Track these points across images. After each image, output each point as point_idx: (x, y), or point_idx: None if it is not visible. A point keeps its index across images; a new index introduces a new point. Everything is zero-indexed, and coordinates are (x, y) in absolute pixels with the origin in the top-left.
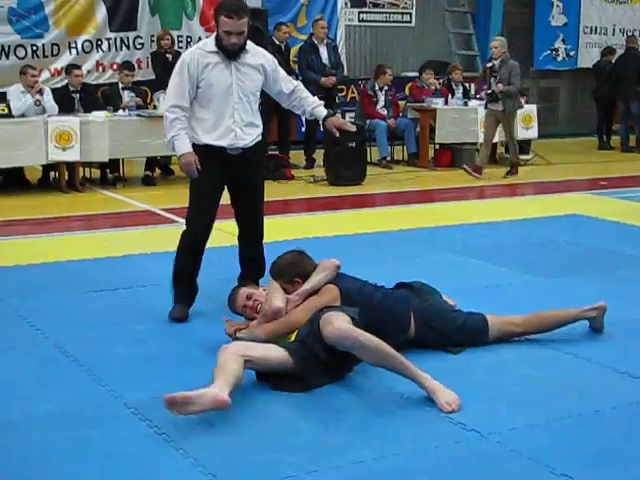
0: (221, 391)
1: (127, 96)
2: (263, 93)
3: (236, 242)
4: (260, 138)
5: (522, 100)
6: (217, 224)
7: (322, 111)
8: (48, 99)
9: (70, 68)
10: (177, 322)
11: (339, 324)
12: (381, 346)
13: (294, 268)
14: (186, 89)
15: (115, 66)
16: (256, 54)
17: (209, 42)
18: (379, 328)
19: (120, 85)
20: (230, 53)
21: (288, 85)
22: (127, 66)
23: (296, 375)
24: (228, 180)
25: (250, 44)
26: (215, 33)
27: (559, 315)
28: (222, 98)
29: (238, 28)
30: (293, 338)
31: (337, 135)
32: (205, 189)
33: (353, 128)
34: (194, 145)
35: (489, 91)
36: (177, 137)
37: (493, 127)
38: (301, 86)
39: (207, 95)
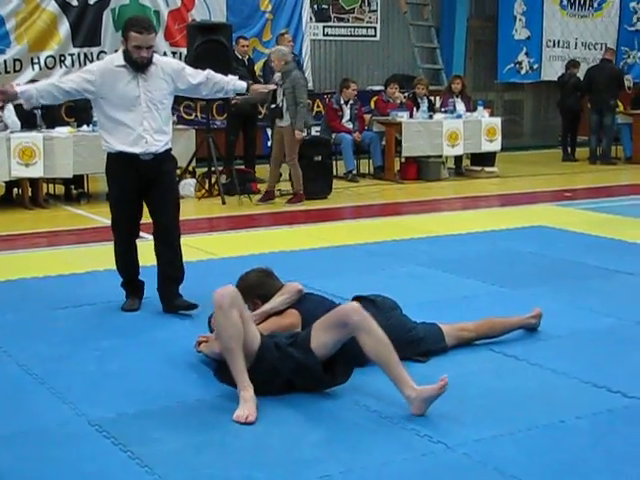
0: None
1: None
2: (229, 110)
3: (203, 258)
4: (169, 146)
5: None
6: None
7: (242, 83)
8: (9, 115)
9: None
10: (128, 312)
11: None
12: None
13: (256, 290)
14: (77, 81)
15: None
16: (162, 65)
17: (116, 58)
18: (342, 348)
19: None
20: (139, 66)
21: (199, 77)
22: None
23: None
24: (141, 186)
25: (156, 56)
26: (122, 49)
27: (506, 322)
28: (130, 108)
29: (147, 42)
30: None
31: (265, 94)
32: (122, 194)
33: (273, 86)
34: (108, 154)
35: (272, 106)
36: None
37: (280, 145)
38: (212, 73)
39: (116, 105)
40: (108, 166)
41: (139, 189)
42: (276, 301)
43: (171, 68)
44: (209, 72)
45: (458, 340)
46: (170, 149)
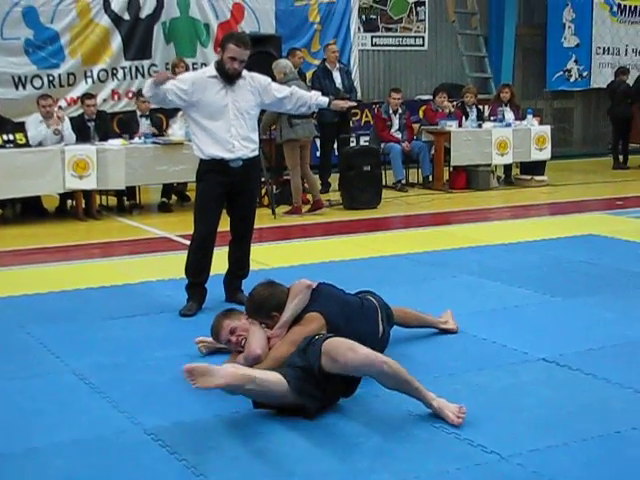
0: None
1: (144, 123)
2: None
3: (255, 268)
4: (257, 153)
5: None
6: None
7: (324, 99)
8: (67, 127)
9: (83, 98)
10: (184, 317)
11: (365, 351)
12: (400, 372)
13: (268, 303)
14: (173, 90)
15: (130, 94)
16: (250, 79)
17: (208, 69)
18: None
19: (138, 113)
20: (229, 77)
21: (284, 92)
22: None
23: (297, 405)
24: (228, 191)
25: (245, 71)
26: (217, 59)
27: (421, 317)
28: (219, 115)
29: (242, 56)
30: None
31: (345, 108)
32: (208, 199)
33: (353, 103)
34: (200, 160)
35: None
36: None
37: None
38: (296, 88)
39: (206, 113)
40: (198, 171)
41: (226, 194)
42: (291, 307)
43: (258, 82)
44: (294, 88)
45: None
46: (258, 156)
